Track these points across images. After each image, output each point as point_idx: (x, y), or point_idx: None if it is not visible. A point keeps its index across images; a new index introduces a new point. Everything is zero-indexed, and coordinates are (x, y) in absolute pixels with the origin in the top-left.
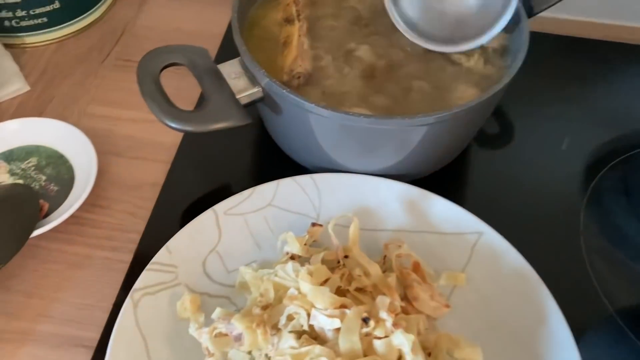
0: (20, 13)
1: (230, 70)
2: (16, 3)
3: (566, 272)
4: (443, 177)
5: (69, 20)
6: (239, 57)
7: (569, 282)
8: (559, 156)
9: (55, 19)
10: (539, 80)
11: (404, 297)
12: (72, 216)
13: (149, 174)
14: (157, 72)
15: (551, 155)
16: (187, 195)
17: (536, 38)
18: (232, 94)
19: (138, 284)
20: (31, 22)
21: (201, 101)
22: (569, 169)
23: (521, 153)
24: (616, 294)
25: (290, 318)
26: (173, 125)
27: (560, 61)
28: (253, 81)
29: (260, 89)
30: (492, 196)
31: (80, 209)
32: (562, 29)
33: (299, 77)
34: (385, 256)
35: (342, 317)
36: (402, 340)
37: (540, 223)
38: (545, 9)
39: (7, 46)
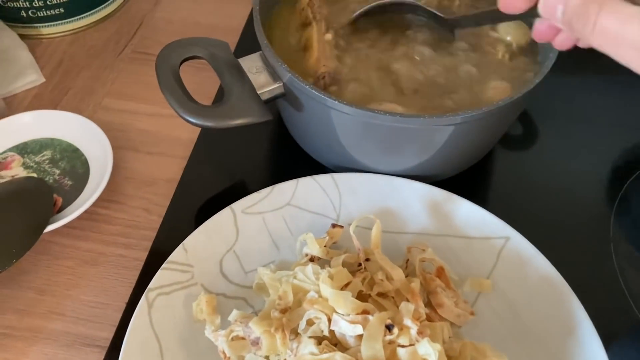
0: (37, 3)
1: (251, 64)
2: None
3: (595, 279)
4: (467, 179)
5: (86, 12)
6: (260, 52)
7: (598, 290)
8: (586, 159)
9: (72, 10)
10: (564, 80)
11: (428, 304)
12: (86, 212)
13: (165, 169)
14: (177, 65)
15: (579, 158)
16: (204, 192)
17: None
18: (253, 89)
19: (153, 283)
20: (48, 13)
21: (219, 96)
22: (598, 173)
23: (547, 156)
24: None
25: (310, 323)
26: (192, 120)
27: (588, 60)
28: (274, 76)
29: (281, 84)
30: (517, 200)
31: (95, 204)
32: None
33: (324, 77)
34: (407, 260)
35: (364, 324)
36: (429, 350)
37: (567, 229)
38: None
39: (23, 37)
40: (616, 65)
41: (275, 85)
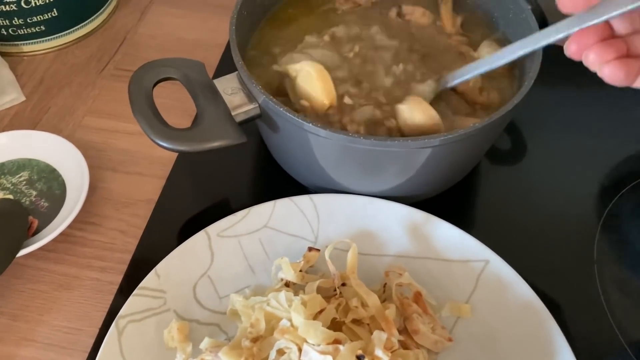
0: (17, 21)
1: (227, 85)
2: (13, 11)
3: (578, 303)
4: (451, 198)
5: (68, 29)
6: (237, 72)
7: (580, 312)
8: (574, 176)
9: (54, 28)
10: (554, 94)
11: (404, 330)
12: (61, 234)
13: (144, 189)
14: (150, 87)
15: (566, 174)
16: (183, 213)
17: (554, 50)
18: (227, 111)
19: (124, 310)
20: (29, 31)
21: None
22: (584, 190)
23: (534, 172)
24: (630, 326)
25: (280, 352)
26: (164, 144)
27: (578, 75)
28: (250, 97)
29: (257, 105)
30: (502, 219)
31: (71, 226)
32: None
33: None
34: (385, 284)
35: (335, 354)
36: None
37: (552, 249)
38: None
39: (4, 54)
40: None
41: (251, 106)
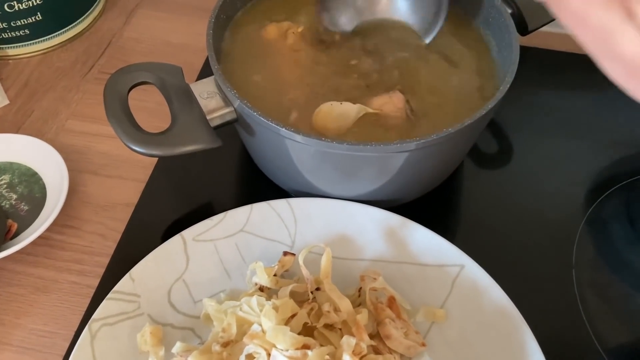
0: (1, 25)
1: (203, 89)
2: None
3: (554, 308)
4: (433, 201)
5: (53, 33)
6: (214, 76)
7: (556, 318)
8: (555, 180)
9: (38, 31)
10: (540, 97)
11: (376, 335)
12: (40, 237)
13: (124, 193)
14: (125, 91)
15: (547, 178)
16: (162, 216)
17: (539, 53)
18: (202, 115)
19: (97, 314)
20: (13, 34)
21: None
22: (566, 194)
23: (516, 176)
24: (606, 333)
25: (250, 357)
26: (136, 149)
27: (564, 78)
28: (226, 101)
29: (232, 109)
30: (482, 223)
31: (50, 229)
32: (567, 44)
33: None
34: (361, 288)
35: (303, 359)
36: None
37: (530, 254)
38: (541, 26)
39: None
40: (598, 83)
41: (227, 110)
